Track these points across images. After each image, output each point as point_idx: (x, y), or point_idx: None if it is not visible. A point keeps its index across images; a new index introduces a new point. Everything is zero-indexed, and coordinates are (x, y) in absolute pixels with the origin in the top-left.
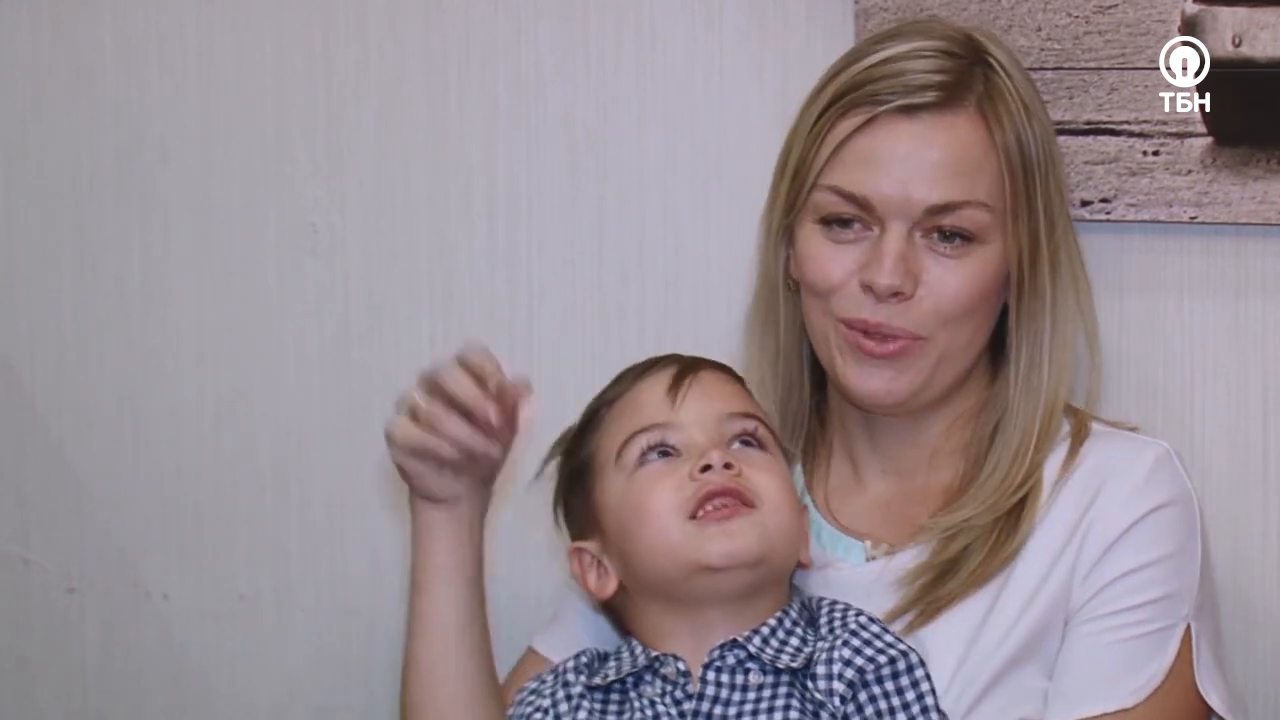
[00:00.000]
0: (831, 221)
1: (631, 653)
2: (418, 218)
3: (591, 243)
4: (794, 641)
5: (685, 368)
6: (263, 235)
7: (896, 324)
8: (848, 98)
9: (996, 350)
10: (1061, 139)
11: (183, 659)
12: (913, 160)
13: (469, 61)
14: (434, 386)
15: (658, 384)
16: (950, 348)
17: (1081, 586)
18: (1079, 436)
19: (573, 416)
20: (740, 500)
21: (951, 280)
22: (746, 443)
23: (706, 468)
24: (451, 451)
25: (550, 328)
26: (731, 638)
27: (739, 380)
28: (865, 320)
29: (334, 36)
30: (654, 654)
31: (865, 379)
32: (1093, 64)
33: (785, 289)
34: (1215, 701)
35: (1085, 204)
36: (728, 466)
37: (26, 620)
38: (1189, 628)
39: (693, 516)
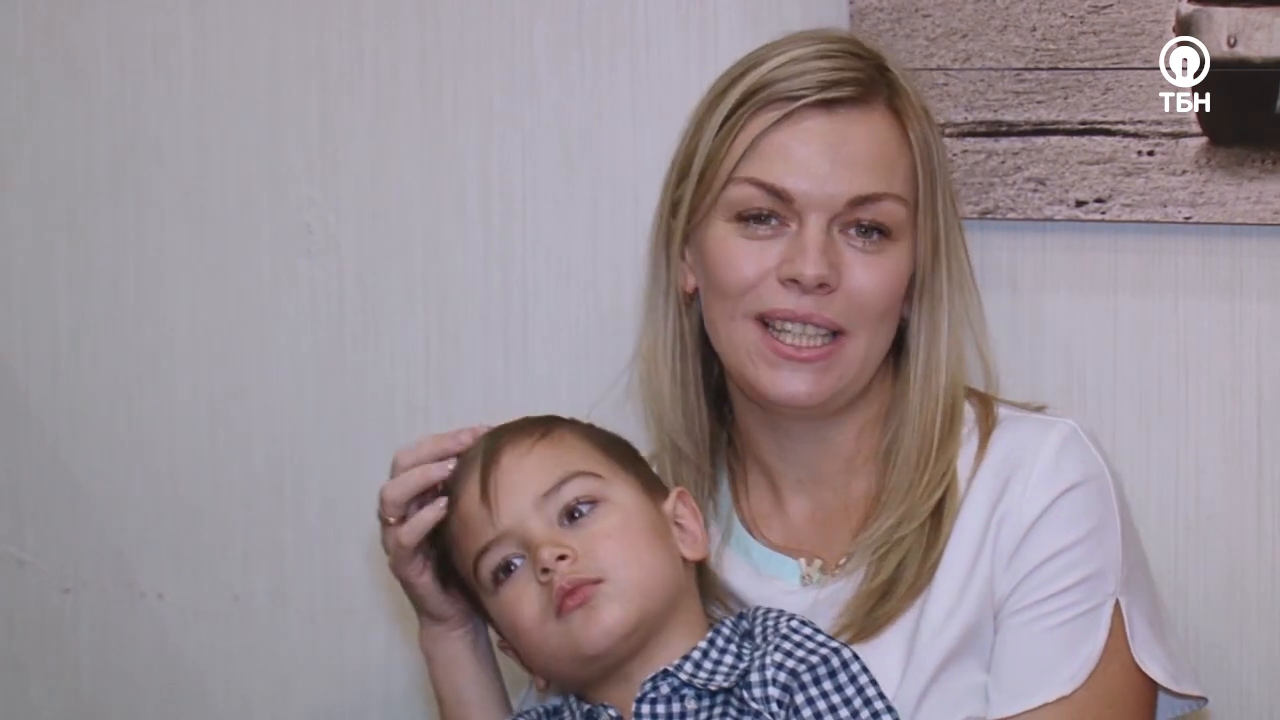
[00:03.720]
0: (748, 218)
1: (570, 710)
2: (412, 218)
3: (585, 243)
4: (728, 659)
5: (486, 464)
6: (257, 236)
7: (826, 315)
8: (761, 94)
9: (893, 355)
10: (1056, 139)
11: (177, 659)
12: (833, 153)
13: (463, 62)
14: (398, 511)
15: (472, 493)
16: (869, 348)
17: (1004, 577)
18: (986, 426)
19: (565, 415)
20: (587, 583)
21: (870, 277)
22: (572, 514)
23: (545, 570)
24: (438, 510)
25: (544, 328)
26: (662, 668)
27: (541, 431)
28: (791, 311)
29: (329, 37)
30: (587, 707)
31: (783, 382)
32: (1087, 64)
33: (679, 300)
34: (1156, 672)
35: (1080, 204)
36: (562, 558)
37: (22, 620)
38: (1118, 603)
39: (559, 613)
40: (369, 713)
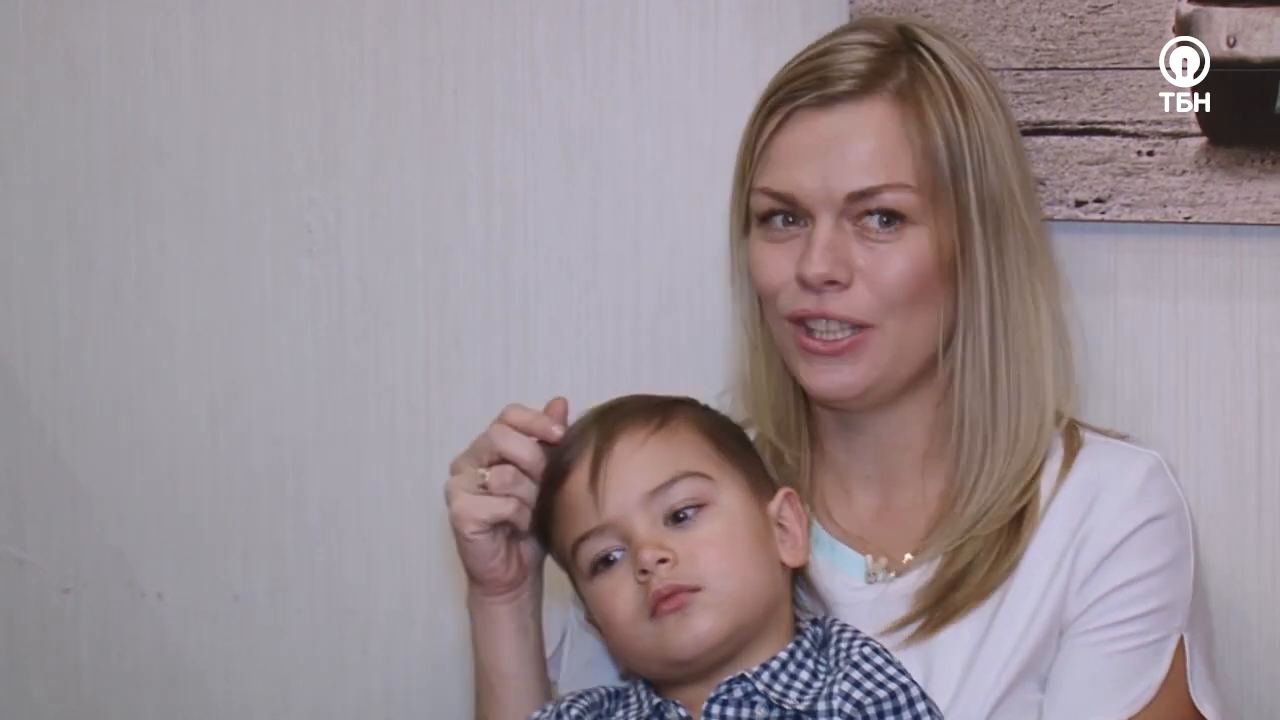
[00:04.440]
0: (767, 218)
1: (638, 698)
2: (413, 218)
3: (586, 242)
4: (804, 675)
5: (599, 450)
6: (258, 235)
7: (841, 312)
8: (772, 99)
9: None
10: (1056, 139)
11: (178, 659)
12: (829, 150)
13: (464, 61)
14: (494, 456)
15: (580, 477)
16: (902, 336)
17: (1076, 598)
18: (1072, 447)
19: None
20: (685, 590)
21: (886, 264)
22: (678, 515)
23: (645, 570)
24: (522, 514)
25: (545, 328)
26: (740, 673)
27: (659, 420)
28: (808, 310)
29: (329, 36)
30: (657, 701)
31: (817, 376)
32: (1087, 64)
33: (751, 299)
34: (1209, 711)
35: (1080, 204)
36: (663, 561)
37: (22, 620)
38: (1182, 639)
39: (653, 614)
40: (369, 713)
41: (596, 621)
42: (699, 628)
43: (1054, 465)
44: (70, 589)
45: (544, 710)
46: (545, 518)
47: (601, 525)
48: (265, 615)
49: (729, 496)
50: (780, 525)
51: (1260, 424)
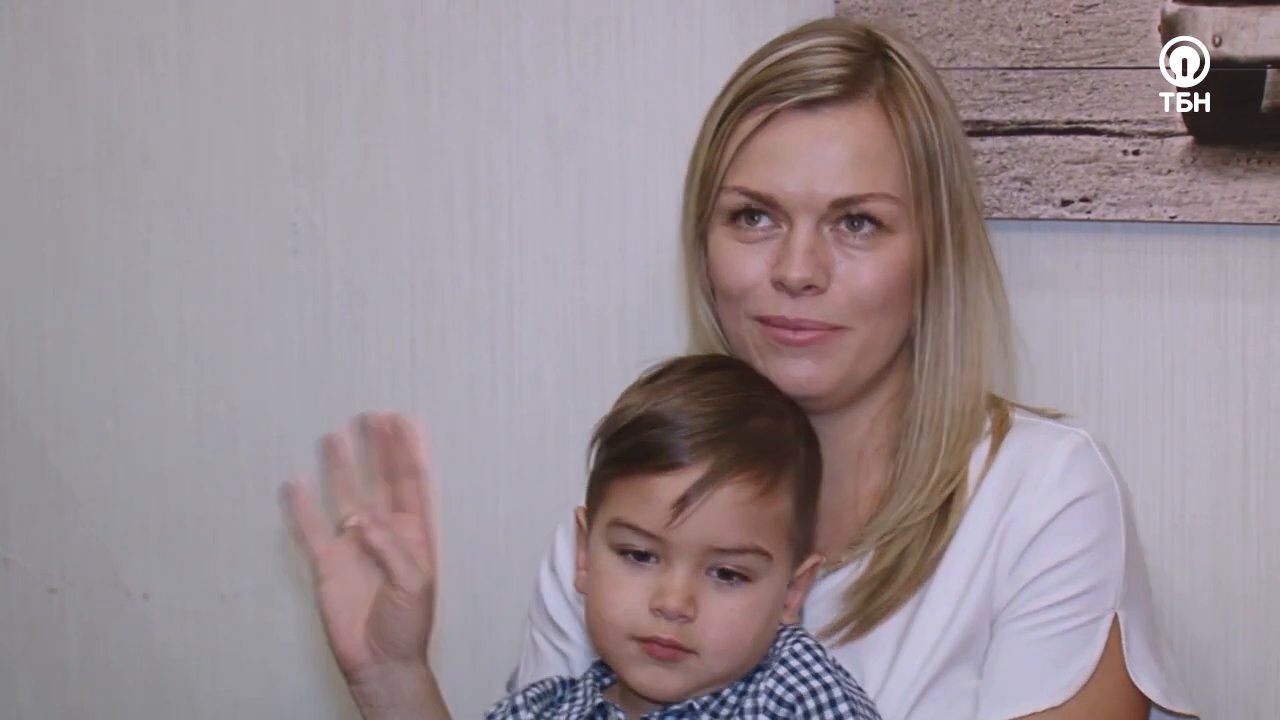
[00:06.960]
0: (739, 215)
1: (584, 694)
2: (399, 217)
3: (572, 241)
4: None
5: (704, 482)
6: (244, 235)
7: (814, 317)
8: (748, 98)
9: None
10: (1042, 138)
11: (163, 659)
12: (815, 154)
13: (450, 61)
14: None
15: (673, 488)
16: (870, 339)
17: (1005, 584)
18: (1000, 430)
19: (553, 414)
20: (682, 650)
21: (864, 272)
22: (725, 573)
23: (660, 609)
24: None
25: (531, 326)
26: (689, 703)
27: (771, 479)
28: (783, 317)
29: (315, 36)
30: (599, 701)
31: (787, 368)
32: (1073, 63)
33: (706, 298)
34: (1149, 688)
35: (1065, 203)
36: (681, 615)
37: (7, 620)
38: (1116, 618)
39: (640, 641)
40: (354, 712)
41: (585, 587)
42: (669, 685)
43: (982, 449)
44: (56, 589)
45: (499, 705)
46: (613, 466)
47: (660, 538)
48: (251, 614)
49: (771, 578)
50: (792, 585)
51: (1245, 423)
